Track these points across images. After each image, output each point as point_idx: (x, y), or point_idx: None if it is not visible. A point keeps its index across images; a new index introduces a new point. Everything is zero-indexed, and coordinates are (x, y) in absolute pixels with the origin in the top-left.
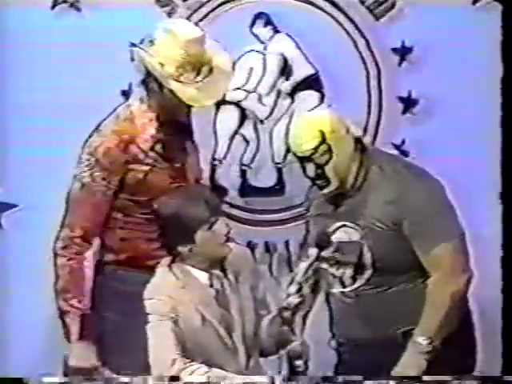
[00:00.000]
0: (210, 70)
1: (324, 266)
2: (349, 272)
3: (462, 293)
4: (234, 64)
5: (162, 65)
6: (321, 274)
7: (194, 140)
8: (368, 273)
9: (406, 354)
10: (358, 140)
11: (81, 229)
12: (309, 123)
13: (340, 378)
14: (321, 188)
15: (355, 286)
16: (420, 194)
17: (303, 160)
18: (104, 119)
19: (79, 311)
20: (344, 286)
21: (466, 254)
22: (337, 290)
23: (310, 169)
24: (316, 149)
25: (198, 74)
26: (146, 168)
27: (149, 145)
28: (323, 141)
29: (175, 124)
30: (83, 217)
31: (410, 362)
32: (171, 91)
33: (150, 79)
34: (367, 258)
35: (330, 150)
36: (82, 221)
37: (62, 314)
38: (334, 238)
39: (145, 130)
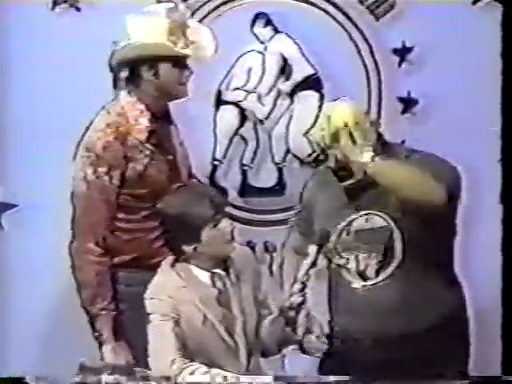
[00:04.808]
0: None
1: (339, 261)
2: (373, 263)
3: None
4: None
5: (153, 39)
6: (332, 270)
7: (178, 128)
8: (395, 262)
9: None
10: (380, 134)
11: (100, 228)
12: (333, 114)
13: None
14: (341, 180)
15: (380, 278)
16: (437, 167)
17: (326, 151)
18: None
19: (112, 313)
20: (365, 280)
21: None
22: (359, 284)
23: (333, 160)
24: (339, 140)
25: (185, 36)
26: (146, 160)
27: (144, 136)
28: (348, 133)
29: (163, 115)
30: (99, 216)
31: None
32: (169, 62)
33: (140, 70)
34: (397, 243)
35: (353, 142)
36: (100, 220)
37: (93, 318)
38: (354, 228)
39: (138, 122)
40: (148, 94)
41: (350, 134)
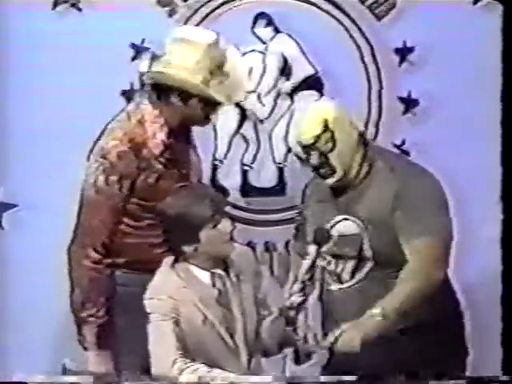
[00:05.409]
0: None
1: (321, 263)
2: (348, 267)
3: (430, 287)
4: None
5: (190, 75)
6: (316, 271)
7: (195, 145)
8: (368, 266)
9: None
10: (361, 134)
11: (101, 235)
12: (313, 112)
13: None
14: (325, 177)
15: (354, 281)
16: (418, 191)
17: (307, 148)
18: (111, 120)
19: (99, 320)
20: (341, 282)
21: (445, 253)
22: (336, 286)
23: (314, 157)
24: (319, 136)
25: (221, 73)
26: (157, 174)
27: (159, 150)
28: (326, 128)
29: (182, 130)
30: (102, 222)
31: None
32: (200, 99)
33: (169, 93)
34: (367, 250)
35: (333, 138)
36: (102, 227)
37: (80, 323)
38: (334, 232)
39: (155, 135)
40: (171, 112)
41: (332, 135)
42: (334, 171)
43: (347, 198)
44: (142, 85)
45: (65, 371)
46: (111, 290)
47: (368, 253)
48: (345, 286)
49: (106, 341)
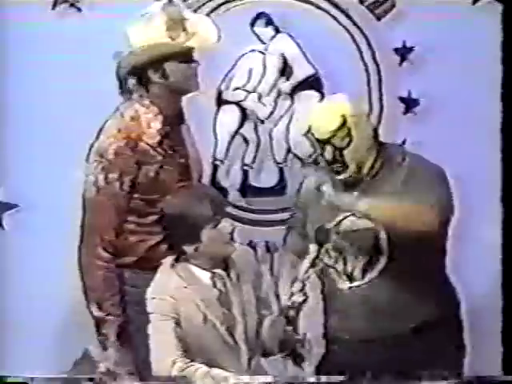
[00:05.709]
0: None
1: (329, 262)
2: (359, 265)
3: (416, 214)
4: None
5: (155, 41)
6: (323, 270)
7: (191, 130)
8: (381, 263)
9: None
10: (377, 131)
11: (108, 234)
12: (331, 107)
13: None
14: (337, 173)
15: (366, 279)
16: (423, 174)
17: (322, 143)
18: (107, 120)
19: (118, 318)
20: (352, 281)
21: (442, 212)
22: (345, 285)
23: (329, 152)
24: (336, 132)
25: (185, 30)
26: (157, 165)
27: (156, 140)
28: (344, 124)
29: (176, 115)
30: (108, 221)
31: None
32: (175, 61)
33: (147, 74)
34: (383, 243)
35: (349, 134)
36: (108, 225)
37: (99, 322)
38: (344, 226)
39: (150, 125)
40: (159, 95)
41: (349, 131)
42: (347, 167)
43: (358, 193)
44: (119, 78)
45: (85, 356)
46: (123, 290)
47: (384, 246)
48: (355, 284)
49: (126, 339)
